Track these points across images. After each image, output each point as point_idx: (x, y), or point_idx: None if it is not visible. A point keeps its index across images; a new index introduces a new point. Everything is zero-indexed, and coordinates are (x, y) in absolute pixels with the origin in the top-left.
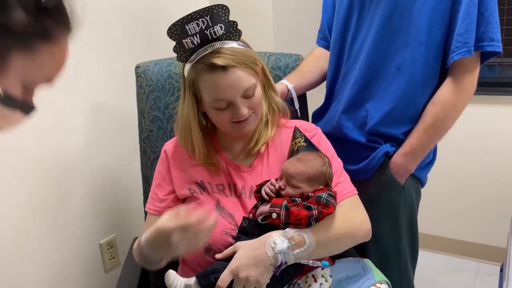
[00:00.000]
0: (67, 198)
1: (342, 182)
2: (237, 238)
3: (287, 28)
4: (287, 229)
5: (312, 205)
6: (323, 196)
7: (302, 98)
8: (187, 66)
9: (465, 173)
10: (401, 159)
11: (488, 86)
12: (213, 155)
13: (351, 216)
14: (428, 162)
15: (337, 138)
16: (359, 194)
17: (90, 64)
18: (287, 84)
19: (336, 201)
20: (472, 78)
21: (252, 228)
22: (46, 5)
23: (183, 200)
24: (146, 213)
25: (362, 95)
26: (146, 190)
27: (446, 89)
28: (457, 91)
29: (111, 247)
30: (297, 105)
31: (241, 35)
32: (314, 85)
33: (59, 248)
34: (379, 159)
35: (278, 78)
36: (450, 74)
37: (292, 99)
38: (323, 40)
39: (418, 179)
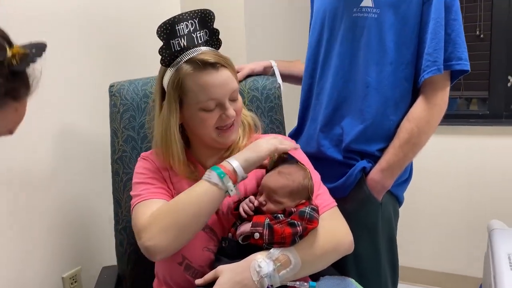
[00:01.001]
0: (27, 225)
1: (322, 194)
2: (216, 260)
3: (260, 50)
4: (271, 250)
5: (296, 222)
6: (306, 211)
7: (280, 120)
8: (169, 71)
9: (433, 205)
10: (378, 175)
11: (450, 118)
12: (192, 168)
13: (333, 230)
14: (405, 179)
15: (316, 158)
16: None
17: (60, 84)
18: (271, 61)
19: (318, 214)
20: (443, 95)
21: (232, 249)
22: (17, 70)
23: None
24: (119, 234)
25: (337, 114)
26: (117, 213)
27: (419, 107)
28: (430, 108)
29: (75, 281)
30: (279, 80)
31: (221, 45)
32: (299, 80)
33: (15, 282)
34: (356, 176)
35: (256, 99)
36: (422, 92)
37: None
38: None
39: (395, 196)
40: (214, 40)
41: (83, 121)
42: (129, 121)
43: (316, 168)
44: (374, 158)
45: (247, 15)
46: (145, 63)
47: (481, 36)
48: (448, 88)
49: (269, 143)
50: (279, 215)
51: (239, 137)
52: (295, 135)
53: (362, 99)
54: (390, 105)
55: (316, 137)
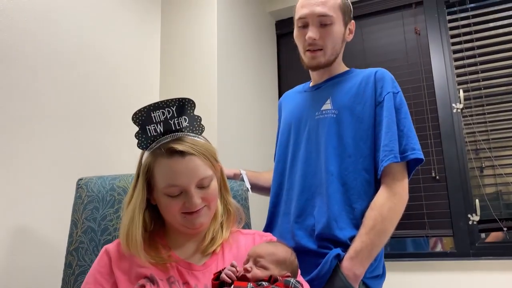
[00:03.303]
0: None
1: (303, 282)
2: None
3: (230, 159)
4: None
5: None
6: (292, 281)
7: (246, 221)
8: (146, 153)
9: None
10: (348, 263)
11: (422, 256)
12: (162, 253)
13: None
14: (379, 275)
15: None
16: None
17: (22, 182)
18: (240, 169)
19: None
20: (403, 185)
21: None
22: None
23: None
24: None
25: (309, 204)
26: None
27: (381, 195)
28: (391, 196)
29: None
30: (248, 185)
31: (203, 131)
32: (266, 190)
33: None
34: (331, 263)
35: None
36: (383, 183)
37: (243, 180)
38: None
39: None
40: (195, 126)
41: (42, 226)
42: (92, 213)
43: None
44: (347, 247)
45: (220, 128)
46: (116, 160)
47: (437, 177)
48: (406, 179)
49: None
50: (264, 282)
51: (220, 228)
52: (266, 231)
53: (327, 186)
54: (352, 194)
55: (291, 229)
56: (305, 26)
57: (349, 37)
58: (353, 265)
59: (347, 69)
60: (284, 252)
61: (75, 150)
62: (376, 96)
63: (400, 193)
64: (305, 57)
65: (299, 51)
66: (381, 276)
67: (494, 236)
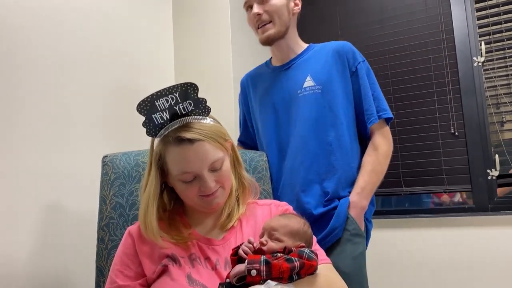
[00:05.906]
0: None
1: (318, 250)
2: None
3: None
4: (268, 281)
5: (293, 258)
6: (305, 251)
7: (268, 190)
8: (156, 140)
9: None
10: (356, 197)
11: (440, 212)
12: (183, 231)
13: (332, 279)
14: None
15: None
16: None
17: (50, 161)
18: None
19: (318, 259)
20: (387, 133)
21: None
22: None
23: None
24: None
25: (314, 175)
26: (99, 283)
27: (375, 144)
28: (383, 143)
29: None
30: None
31: (210, 112)
32: None
33: None
34: (345, 212)
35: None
36: (372, 138)
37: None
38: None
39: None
40: (201, 108)
41: (73, 201)
42: (119, 189)
43: None
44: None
45: (236, 93)
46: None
47: (456, 133)
48: (387, 128)
49: None
50: (278, 253)
51: (236, 202)
52: None
53: (328, 156)
54: (349, 156)
55: (296, 198)
56: (250, 7)
57: (296, 9)
58: (359, 198)
59: (307, 45)
60: (297, 223)
61: (99, 128)
62: (349, 66)
63: (388, 138)
64: (259, 35)
65: (255, 34)
66: (372, 205)
67: (501, 191)
